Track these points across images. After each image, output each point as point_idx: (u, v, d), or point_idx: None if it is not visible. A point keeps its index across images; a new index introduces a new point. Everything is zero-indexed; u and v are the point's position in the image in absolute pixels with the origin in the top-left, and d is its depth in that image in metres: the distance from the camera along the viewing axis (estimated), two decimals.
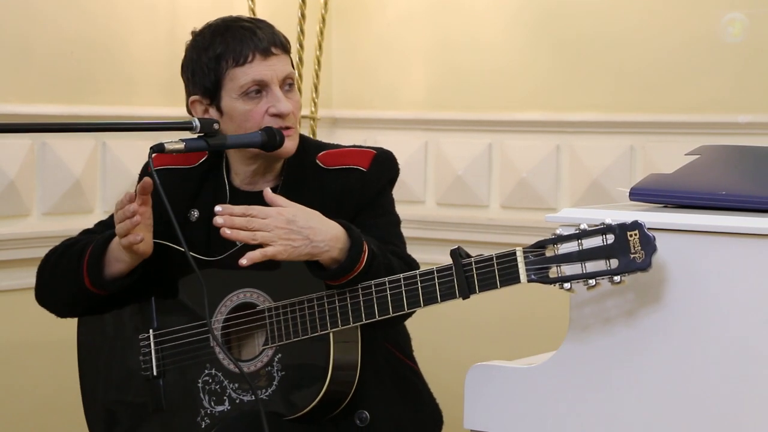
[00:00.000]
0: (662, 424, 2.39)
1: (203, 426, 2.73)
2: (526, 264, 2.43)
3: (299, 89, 3.93)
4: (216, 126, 2.70)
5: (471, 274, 2.48)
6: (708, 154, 2.69)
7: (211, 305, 2.69)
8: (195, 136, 2.70)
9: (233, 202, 2.76)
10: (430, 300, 2.53)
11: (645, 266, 2.32)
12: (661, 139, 3.86)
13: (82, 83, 3.75)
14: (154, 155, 2.61)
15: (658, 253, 2.33)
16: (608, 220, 2.36)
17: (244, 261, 2.51)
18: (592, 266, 2.36)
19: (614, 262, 2.35)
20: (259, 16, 3.72)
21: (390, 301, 2.56)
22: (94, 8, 3.77)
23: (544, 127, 4.06)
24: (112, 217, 2.86)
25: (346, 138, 4.23)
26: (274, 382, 2.66)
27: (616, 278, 2.34)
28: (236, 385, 2.71)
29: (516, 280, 2.44)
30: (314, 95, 4.15)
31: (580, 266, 2.37)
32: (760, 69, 3.70)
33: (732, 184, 2.54)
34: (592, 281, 2.36)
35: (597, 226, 2.36)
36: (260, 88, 2.74)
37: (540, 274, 2.42)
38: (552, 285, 2.41)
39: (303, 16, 4.06)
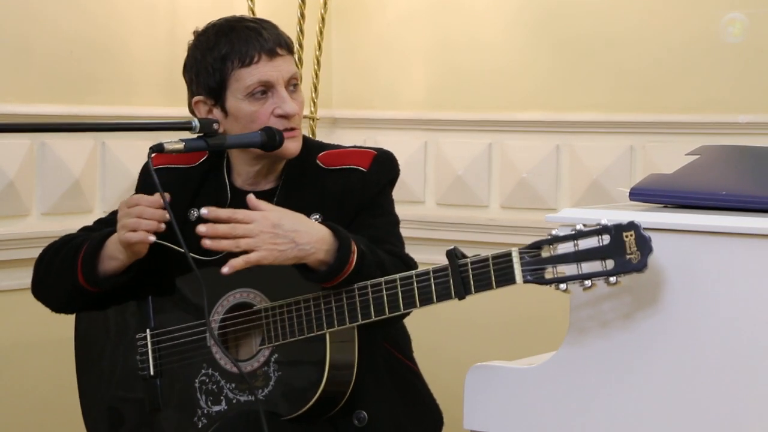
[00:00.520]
0: (663, 421, 2.39)
1: (200, 426, 2.73)
2: (522, 265, 2.42)
3: None
4: (216, 126, 2.70)
5: (467, 275, 2.48)
6: (708, 154, 2.69)
7: (208, 305, 2.69)
8: (194, 136, 2.70)
9: (234, 203, 2.76)
10: (426, 300, 2.52)
11: (641, 267, 2.32)
12: (661, 139, 3.86)
13: (81, 83, 3.74)
14: (153, 155, 2.61)
15: (658, 253, 2.33)
16: (604, 221, 2.35)
17: (225, 269, 2.50)
18: (588, 267, 2.36)
19: (610, 263, 2.34)
20: (259, 16, 3.72)
21: (386, 301, 2.55)
22: (94, 8, 3.77)
23: (544, 127, 4.06)
24: (112, 214, 2.87)
25: (345, 138, 4.23)
26: (271, 382, 2.66)
27: (612, 279, 2.34)
28: (233, 385, 2.71)
29: (512, 280, 2.44)
30: (314, 95, 4.14)
31: (575, 267, 2.37)
32: (760, 69, 3.70)
33: (732, 184, 2.54)
34: (588, 282, 2.36)
35: (593, 226, 2.36)
36: (266, 89, 2.74)
37: (536, 275, 2.41)
38: (548, 286, 2.41)
39: (303, 16, 4.06)
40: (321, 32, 4.16)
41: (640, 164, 3.88)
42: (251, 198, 2.57)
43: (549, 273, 2.40)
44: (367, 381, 2.72)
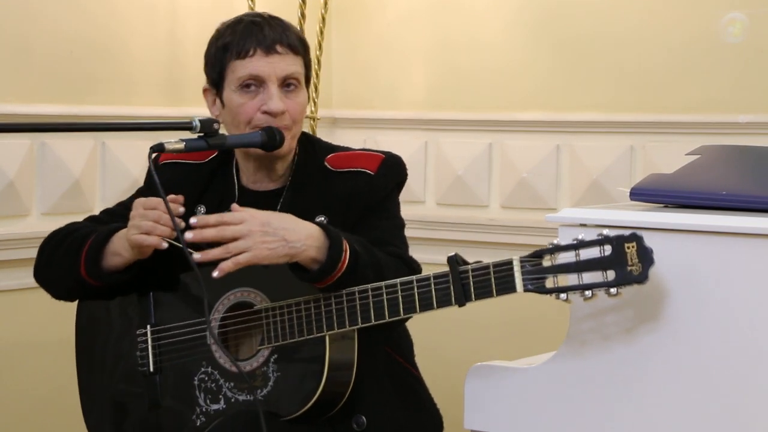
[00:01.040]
0: (663, 422, 2.39)
1: (198, 424, 2.72)
2: (523, 273, 2.41)
3: None
4: (216, 126, 2.70)
5: (467, 282, 2.47)
6: (708, 154, 2.69)
7: (209, 303, 2.69)
8: (195, 136, 2.70)
9: (241, 201, 2.76)
10: (426, 306, 2.51)
11: (642, 279, 2.31)
12: (661, 139, 3.86)
13: (81, 83, 3.74)
14: (153, 154, 2.61)
15: (658, 253, 2.33)
16: (606, 232, 2.35)
17: (215, 273, 2.50)
18: (588, 277, 2.35)
19: (611, 274, 2.33)
20: None
21: (386, 305, 2.55)
22: (94, 8, 3.76)
23: (544, 127, 4.06)
24: (118, 205, 2.89)
25: (346, 138, 4.23)
26: (270, 383, 2.66)
27: (613, 290, 2.33)
28: (232, 384, 2.70)
29: (512, 289, 2.43)
30: (314, 95, 4.14)
31: (576, 277, 2.36)
32: (760, 69, 3.70)
33: (732, 184, 2.54)
34: (588, 292, 2.35)
35: (595, 237, 2.35)
36: (257, 83, 2.74)
37: (536, 284, 2.40)
38: (548, 295, 2.40)
39: (303, 16, 4.06)
40: (321, 32, 4.16)
41: (641, 164, 3.88)
42: (235, 207, 2.57)
43: (549, 282, 2.39)
44: (367, 385, 2.72)
